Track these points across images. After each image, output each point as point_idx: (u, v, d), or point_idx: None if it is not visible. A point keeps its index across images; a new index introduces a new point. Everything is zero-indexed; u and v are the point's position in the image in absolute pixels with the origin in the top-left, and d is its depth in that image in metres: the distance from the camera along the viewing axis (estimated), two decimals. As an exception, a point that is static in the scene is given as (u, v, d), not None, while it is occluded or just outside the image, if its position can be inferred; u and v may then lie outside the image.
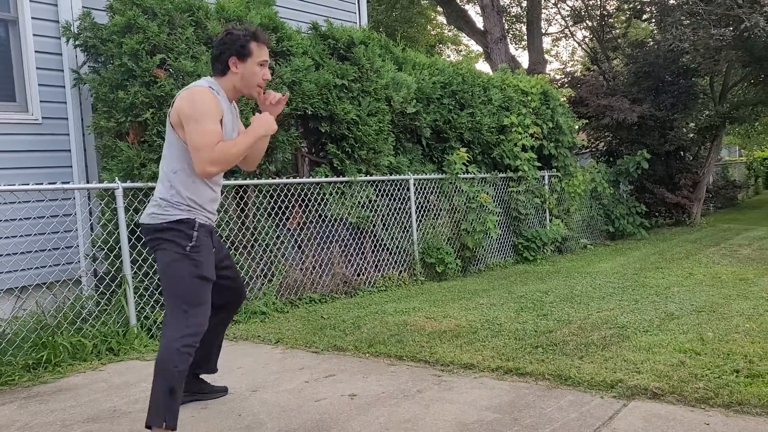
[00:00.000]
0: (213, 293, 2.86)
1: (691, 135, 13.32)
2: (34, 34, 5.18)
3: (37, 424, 3.10)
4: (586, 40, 17.66)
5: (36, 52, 5.18)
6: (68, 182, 5.19)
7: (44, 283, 4.67)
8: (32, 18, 5.17)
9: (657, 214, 12.72)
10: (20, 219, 4.76)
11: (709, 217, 14.19)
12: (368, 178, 6.55)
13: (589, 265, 7.93)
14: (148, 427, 2.64)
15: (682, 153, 13.16)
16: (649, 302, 5.30)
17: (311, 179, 6.11)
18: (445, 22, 22.83)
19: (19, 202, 4.78)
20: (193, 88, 2.74)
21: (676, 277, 6.60)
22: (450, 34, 25.95)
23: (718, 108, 12.88)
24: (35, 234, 4.80)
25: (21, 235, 4.76)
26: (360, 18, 8.53)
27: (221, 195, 2.96)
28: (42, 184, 4.52)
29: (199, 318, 2.73)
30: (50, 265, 4.87)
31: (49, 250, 4.87)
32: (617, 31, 15.55)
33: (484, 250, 8.06)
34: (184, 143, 2.71)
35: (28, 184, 4.49)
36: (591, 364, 3.58)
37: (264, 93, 2.91)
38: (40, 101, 5.20)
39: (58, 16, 5.30)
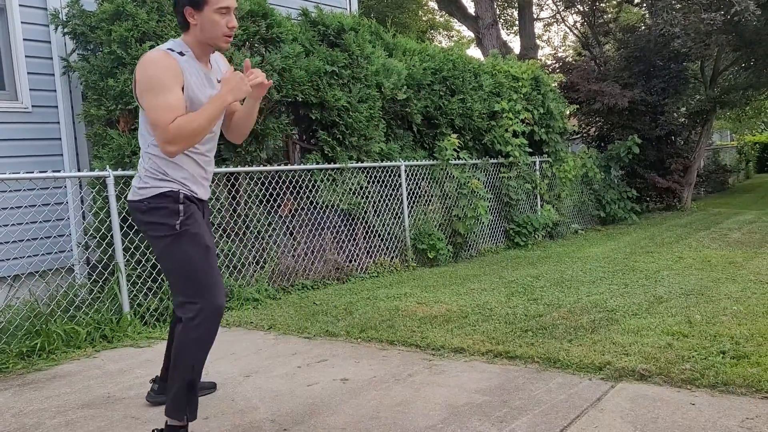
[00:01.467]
0: None
1: (682, 120, 13.38)
2: (22, 22, 5.15)
3: (32, 410, 3.13)
4: (578, 25, 17.64)
5: (24, 40, 5.16)
6: (59, 171, 5.18)
7: (37, 272, 4.68)
8: (20, 5, 5.14)
9: (648, 198, 12.80)
10: (12, 208, 4.75)
11: (699, 201, 14.30)
12: (359, 165, 6.56)
13: (579, 250, 7.99)
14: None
15: (673, 138, 13.22)
16: (638, 286, 5.36)
17: (302, 166, 6.12)
18: (436, 7, 22.73)
19: (11, 190, 4.78)
20: (146, 55, 2.48)
21: (666, 261, 6.67)
22: (441, 19, 25.86)
23: (708, 92, 12.93)
24: (27, 222, 4.80)
25: (13, 224, 4.76)
26: (350, 4, 8.49)
27: (210, 175, 2.75)
28: (33, 172, 4.52)
29: (216, 297, 2.53)
30: (43, 254, 4.87)
31: (42, 238, 4.87)
32: (609, 15, 15.54)
33: (476, 236, 8.10)
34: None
35: (19, 173, 4.49)
36: (580, 347, 3.63)
37: (251, 70, 2.60)
38: (30, 89, 5.18)
39: (46, 4, 5.27)
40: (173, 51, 2.51)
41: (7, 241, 4.79)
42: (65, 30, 5.17)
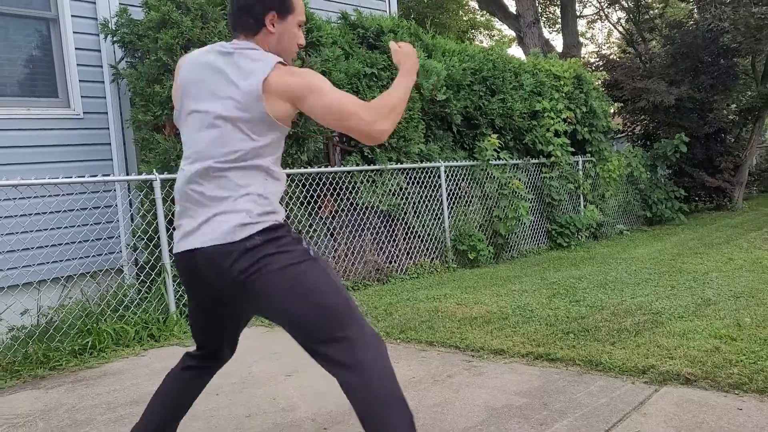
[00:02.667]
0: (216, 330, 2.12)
1: (732, 117, 12.98)
2: (74, 32, 5.34)
3: (83, 406, 3.25)
4: (622, 21, 17.29)
5: (76, 49, 5.35)
6: (109, 174, 5.36)
7: (88, 273, 4.85)
8: (72, 16, 5.33)
9: (696, 198, 12.47)
10: (65, 211, 4.94)
11: (751, 200, 13.84)
12: (399, 166, 6.59)
13: (624, 250, 7.84)
14: None
15: (722, 135, 12.84)
16: (685, 288, 5.24)
17: (342, 168, 6.17)
18: (477, 7, 22.60)
19: (63, 194, 4.97)
20: (275, 61, 1.94)
21: (715, 262, 6.49)
22: (482, 19, 25.68)
23: (760, 89, 12.51)
24: (79, 225, 4.99)
25: (66, 227, 4.95)
26: (390, 6, 8.52)
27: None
28: (84, 176, 4.69)
29: (369, 327, 1.93)
30: (93, 255, 5.05)
31: (92, 240, 5.05)
32: (654, 11, 15.20)
33: (517, 237, 8.03)
34: (283, 130, 1.99)
35: (71, 177, 4.67)
36: (623, 350, 3.58)
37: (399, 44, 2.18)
38: (81, 96, 5.37)
39: (96, 14, 5.45)
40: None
41: (60, 243, 4.98)
42: (114, 39, 5.35)
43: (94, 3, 5.46)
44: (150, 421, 2.13)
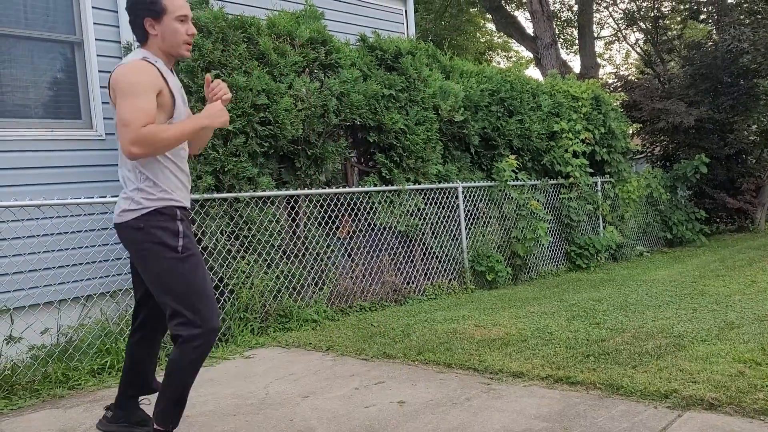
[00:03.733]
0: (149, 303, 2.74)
1: (753, 138, 12.84)
2: (97, 55, 5.45)
3: (101, 425, 3.25)
4: (640, 42, 17.29)
5: (100, 71, 5.45)
6: (129, 195, 5.41)
7: (108, 292, 4.89)
8: (96, 40, 5.44)
9: (718, 219, 12.30)
10: (85, 231, 5.00)
11: (774, 222, 13.61)
12: (417, 186, 6.59)
13: (645, 272, 7.74)
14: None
15: (743, 156, 12.70)
16: (707, 311, 5.15)
17: (360, 188, 6.19)
18: (494, 29, 22.73)
19: (85, 214, 5.03)
20: (125, 61, 2.52)
21: (738, 285, 6.38)
22: (500, 40, 25.82)
23: (782, 109, 12.38)
24: (99, 245, 5.04)
25: (87, 246, 5.00)
26: (408, 28, 8.61)
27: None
28: (105, 197, 4.75)
29: (216, 321, 2.55)
30: (113, 275, 5.09)
31: (113, 260, 5.09)
32: (672, 32, 15.17)
33: (535, 258, 7.98)
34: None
35: (93, 197, 4.73)
36: (644, 374, 3.51)
37: (213, 81, 2.65)
38: (104, 118, 5.46)
39: (119, 37, 5.56)
40: (148, 59, 2.52)
41: (81, 263, 5.03)
42: (137, 61, 5.44)
43: (118, 27, 5.57)
44: (121, 393, 2.90)
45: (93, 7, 5.43)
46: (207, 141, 2.93)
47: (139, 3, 2.53)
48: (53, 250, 4.91)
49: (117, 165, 5.53)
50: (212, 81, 2.66)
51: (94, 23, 5.43)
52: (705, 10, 13.11)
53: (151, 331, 2.82)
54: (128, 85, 2.40)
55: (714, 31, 13.18)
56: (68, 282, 4.97)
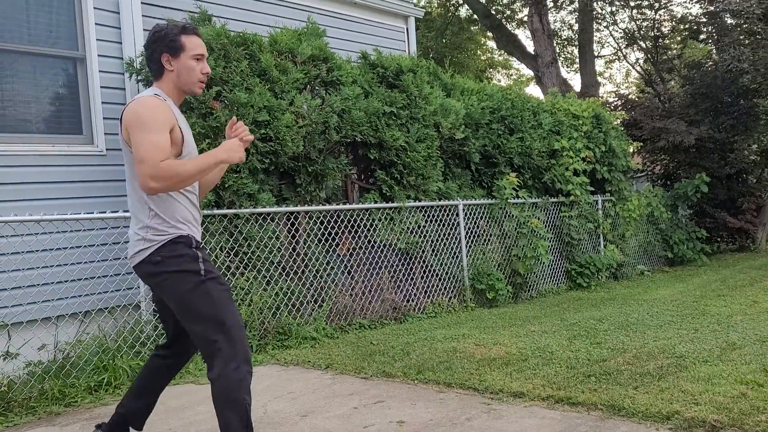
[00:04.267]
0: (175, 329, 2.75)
1: (753, 157, 12.86)
2: (100, 71, 5.47)
3: (96, 444, 3.21)
4: (640, 61, 17.38)
5: (101, 87, 5.47)
6: (129, 211, 5.40)
7: (106, 308, 4.86)
8: (99, 56, 5.47)
9: (719, 239, 12.28)
10: (85, 246, 4.98)
11: (775, 241, 13.58)
12: (417, 203, 6.59)
13: (646, 292, 7.71)
14: None
15: (744, 176, 12.70)
16: (709, 331, 5.11)
17: (360, 205, 6.19)
18: (495, 47, 22.88)
19: (84, 229, 5.02)
20: (138, 98, 2.57)
21: (739, 305, 6.35)
22: (500, 58, 25.97)
23: (782, 129, 12.40)
24: (98, 260, 5.02)
25: (85, 261, 4.98)
26: (409, 46, 8.65)
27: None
28: (105, 212, 4.74)
29: (243, 338, 2.50)
30: (112, 291, 5.07)
31: (111, 275, 5.07)
32: (672, 52, 15.26)
33: (536, 276, 7.95)
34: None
35: (93, 213, 4.72)
36: (646, 395, 3.48)
37: (236, 122, 2.74)
38: (105, 133, 5.47)
39: (122, 53, 5.59)
40: (159, 96, 2.58)
41: (80, 278, 5.01)
42: (139, 77, 5.46)
43: (120, 43, 5.60)
44: (131, 391, 2.86)
45: (96, 24, 5.46)
46: (218, 179, 2.95)
47: (159, 40, 2.60)
48: (52, 266, 4.89)
49: (117, 180, 5.56)
50: (236, 122, 2.74)
51: (97, 39, 5.46)
52: (705, 30, 13.19)
53: (177, 356, 2.85)
54: (143, 122, 2.45)
55: (714, 51, 13.25)
56: (66, 297, 4.95)
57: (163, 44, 2.59)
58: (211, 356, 2.46)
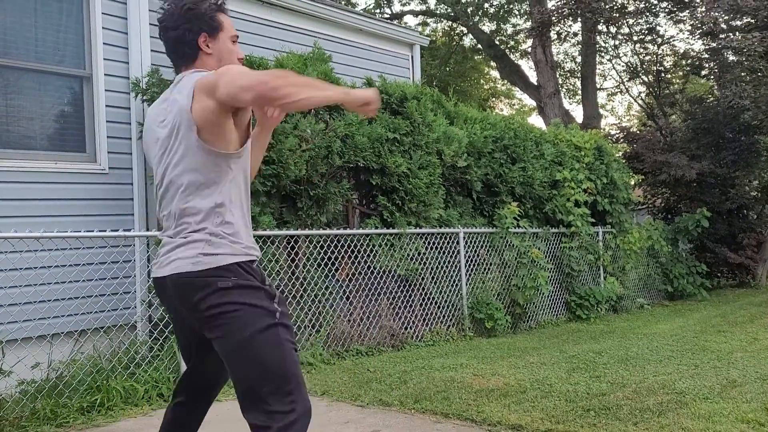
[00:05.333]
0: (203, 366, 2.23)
1: (754, 193, 12.88)
2: (105, 90, 5.50)
3: (86, 467, 3.16)
4: (642, 95, 17.52)
5: (107, 106, 5.49)
6: (130, 229, 5.40)
7: (102, 327, 4.82)
8: (105, 75, 5.50)
9: (719, 274, 12.23)
10: (83, 264, 4.96)
11: (775, 278, 13.53)
12: (418, 230, 6.57)
13: (645, 325, 7.66)
14: None
15: (745, 211, 12.70)
16: (709, 367, 5.07)
17: (361, 231, 6.17)
18: (498, 76, 23.09)
19: (84, 247, 5.00)
20: (193, 74, 2.07)
21: (740, 341, 6.30)
22: (503, 88, 26.20)
23: (782, 166, 12.45)
24: (96, 279, 4.99)
25: (83, 280, 4.95)
26: (413, 73, 8.72)
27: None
28: (106, 230, 4.73)
29: (306, 398, 2.01)
30: (108, 310, 5.03)
31: (108, 295, 5.04)
32: (674, 86, 15.38)
33: (535, 307, 7.90)
34: (220, 156, 2.03)
35: (93, 231, 4.70)
36: (646, 431, 3.43)
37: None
38: (108, 152, 5.48)
39: (128, 73, 5.62)
40: None
41: (77, 297, 4.97)
42: (144, 97, 5.49)
43: (127, 62, 5.64)
44: None
45: (104, 44, 5.51)
46: (261, 158, 2.47)
47: (195, 18, 2.11)
48: (50, 283, 4.86)
49: (119, 198, 5.55)
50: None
51: (105, 59, 5.50)
52: (707, 66, 13.31)
53: (196, 398, 2.31)
54: (228, 68, 1.98)
55: (716, 87, 13.36)
56: (62, 316, 4.91)
57: (203, 22, 2.13)
58: (264, 421, 1.97)
